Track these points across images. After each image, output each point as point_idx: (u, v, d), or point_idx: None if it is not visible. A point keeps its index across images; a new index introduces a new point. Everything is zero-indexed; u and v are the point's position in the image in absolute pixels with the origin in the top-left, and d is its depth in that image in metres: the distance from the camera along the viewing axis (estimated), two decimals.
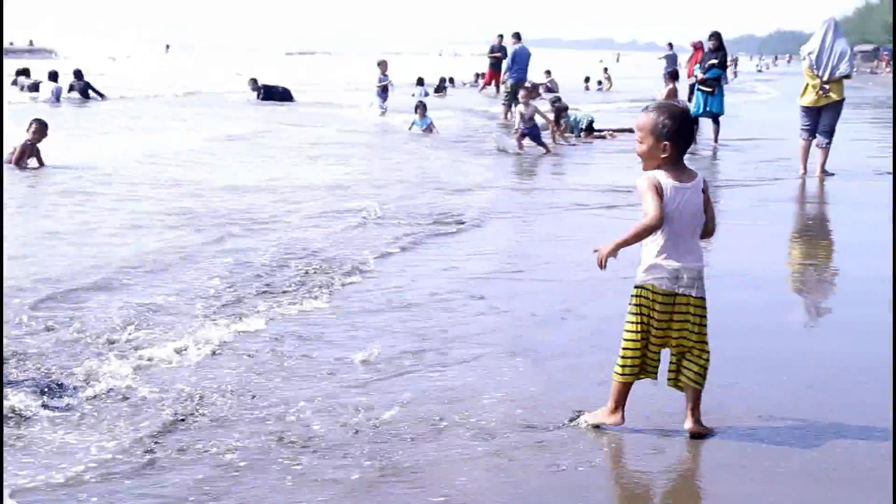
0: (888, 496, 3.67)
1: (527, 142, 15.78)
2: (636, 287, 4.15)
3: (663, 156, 4.06)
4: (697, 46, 19.63)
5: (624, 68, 68.12)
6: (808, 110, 12.52)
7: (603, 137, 17.73)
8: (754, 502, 3.66)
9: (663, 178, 4.06)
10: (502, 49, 33.74)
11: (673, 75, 17.38)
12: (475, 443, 4.10)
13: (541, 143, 15.78)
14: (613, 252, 4.00)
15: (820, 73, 12.26)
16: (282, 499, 3.60)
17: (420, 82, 32.22)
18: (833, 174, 12.47)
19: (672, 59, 37.65)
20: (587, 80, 41.91)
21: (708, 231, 4.16)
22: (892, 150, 13.40)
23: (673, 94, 16.67)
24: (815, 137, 12.56)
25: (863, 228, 9.46)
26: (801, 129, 12.70)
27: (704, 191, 4.12)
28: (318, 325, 5.77)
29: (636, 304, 4.13)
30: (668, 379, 4.27)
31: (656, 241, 4.05)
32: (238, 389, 4.66)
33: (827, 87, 12.26)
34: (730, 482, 3.82)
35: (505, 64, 23.12)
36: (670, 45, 40.46)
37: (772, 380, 4.92)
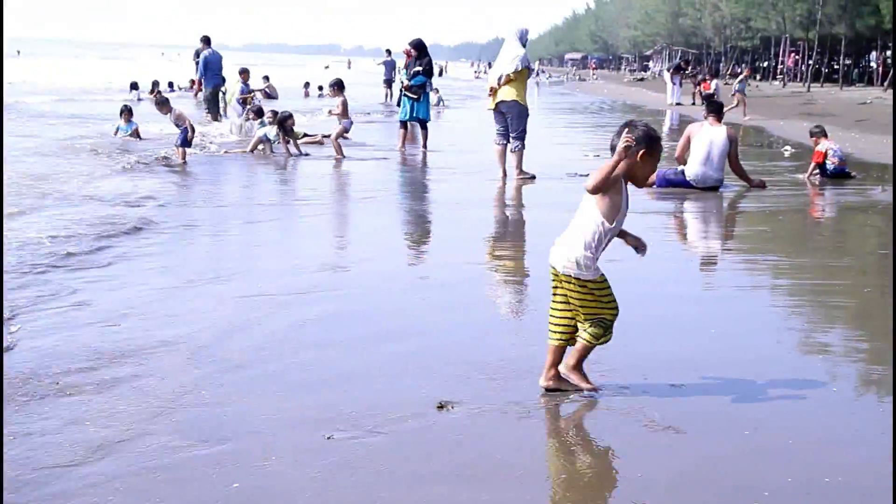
0: None
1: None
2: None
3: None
4: (410, 53, 19.57)
5: (353, 74, 68.46)
6: (495, 114, 12.84)
7: (319, 143, 17.28)
8: None
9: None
10: None
11: (339, 85, 16.52)
12: None
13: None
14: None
15: (491, 79, 12.78)
16: None
17: (133, 86, 31.15)
18: (533, 176, 12.74)
19: (390, 66, 38.14)
20: (307, 85, 41.56)
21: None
22: (892, 152, 13.66)
23: (344, 105, 16.03)
24: (509, 141, 12.84)
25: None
26: (496, 135, 12.95)
27: None
28: None
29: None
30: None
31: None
32: None
33: (495, 86, 12.65)
34: None
35: (198, 71, 22.58)
36: (388, 51, 41.00)
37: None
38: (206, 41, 22.23)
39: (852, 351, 5.33)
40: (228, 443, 3.95)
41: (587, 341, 4.49)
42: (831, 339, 5.59)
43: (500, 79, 12.60)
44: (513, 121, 12.73)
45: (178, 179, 12.57)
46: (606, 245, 4.45)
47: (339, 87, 15.99)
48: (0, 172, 8.92)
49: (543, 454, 4.03)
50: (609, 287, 4.47)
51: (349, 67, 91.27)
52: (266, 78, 35.03)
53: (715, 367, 4.92)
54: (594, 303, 4.45)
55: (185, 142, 14.37)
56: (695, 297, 6.68)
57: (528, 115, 12.93)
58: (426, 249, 8.68)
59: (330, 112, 15.97)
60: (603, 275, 4.45)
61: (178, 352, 5.09)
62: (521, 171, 12.80)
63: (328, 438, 3.99)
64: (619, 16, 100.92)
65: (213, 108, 21.93)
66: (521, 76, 12.62)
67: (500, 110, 12.76)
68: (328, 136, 16.53)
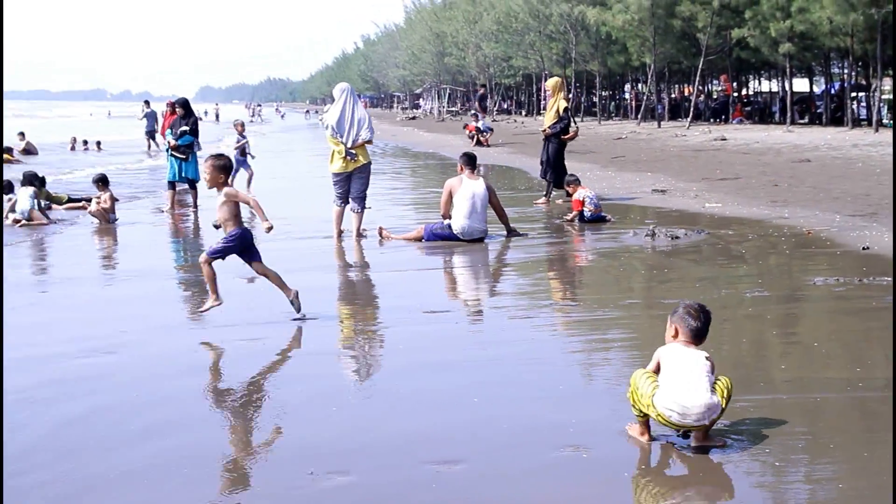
0: None
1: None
2: None
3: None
4: (172, 107, 19.09)
5: (117, 123, 66.46)
6: (338, 177, 12.72)
7: (83, 208, 16.58)
8: None
9: None
10: None
11: (104, 180, 15.83)
12: None
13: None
14: None
15: (344, 141, 12.50)
16: None
17: None
18: (366, 234, 12.79)
19: (152, 117, 37.58)
20: (74, 140, 40.02)
21: None
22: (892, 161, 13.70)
23: (112, 199, 15.47)
24: (348, 203, 12.79)
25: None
26: (336, 197, 12.79)
27: None
28: None
29: None
30: None
31: None
32: None
33: (354, 152, 12.56)
34: None
35: None
36: (147, 102, 40.35)
37: None
38: None
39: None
40: None
41: None
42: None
43: (354, 142, 12.50)
44: (363, 183, 12.74)
45: None
46: None
47: (104, 182, 15.46)
48: (0, 171, 8.09)
49: None
50: None
51: (109, 116, 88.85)
52: (21, 135, 33.62)
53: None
54: None
55: None
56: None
57: None
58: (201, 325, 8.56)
59: (97, 206, 15.18)
60: None
61: None
62: (359, 233, 12.75)
63: None
64: (387, 56, 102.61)
65: None
66: None
67: (352, 173, 12.66)
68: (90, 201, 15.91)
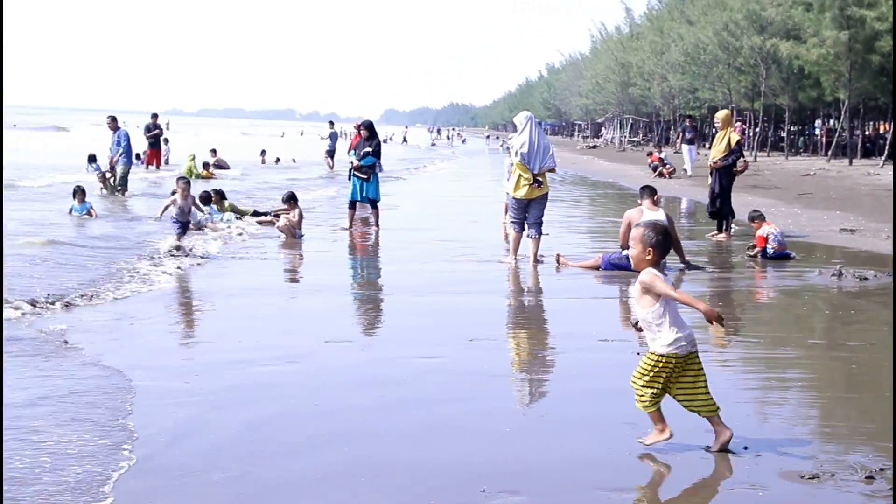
0: None
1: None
2: (659, 356, 5.39)
3: (648, 258, 5.50)
4: (358, 129, 19.66)
5: (306, 142, 68.88)
6: (520, 203, 12.81)
7: (271, 223, 17.22)
8: None
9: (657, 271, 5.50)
10: (157, 126, 33.37)
11: (293, 198, 16.47)
12: None
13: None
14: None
15: (531, 167, 12.69)
16: None
17: (92, 159, 27.22)
18: (542, 260, 12.86)
19: (334, 137, 39.37)
20: (263, 153, 42.05)
21: None
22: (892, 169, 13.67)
23: (300, 216, 16.11)
24: (525, 229, 12.93)
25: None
26: (512, 222, 12.99)
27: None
28: None
29: (656, 368, 5.40)
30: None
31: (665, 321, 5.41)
32: None
33: (540, 180, 12.74)
34: None
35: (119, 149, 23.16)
36: (331, 122, 42.17)
37: None
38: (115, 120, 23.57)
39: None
40: None
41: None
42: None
43: (540, 169, 12.68)
44: (541, 209, 12.92)
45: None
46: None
47: (293, 199, 16.13)
48: (0, 176, 8.86)
49: None
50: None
51: (301, 135, 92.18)
52: (213, 151, 35.25)
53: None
54: None
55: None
56: None
57: None
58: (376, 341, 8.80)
59: (286, 222, 15.79)
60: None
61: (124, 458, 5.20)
62: (536, 259, 12.84)
63: None
64: (570, 84, 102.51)
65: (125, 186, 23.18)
66: None
67: (533, 199, 12.84)
68: (278, 216, 16.55)
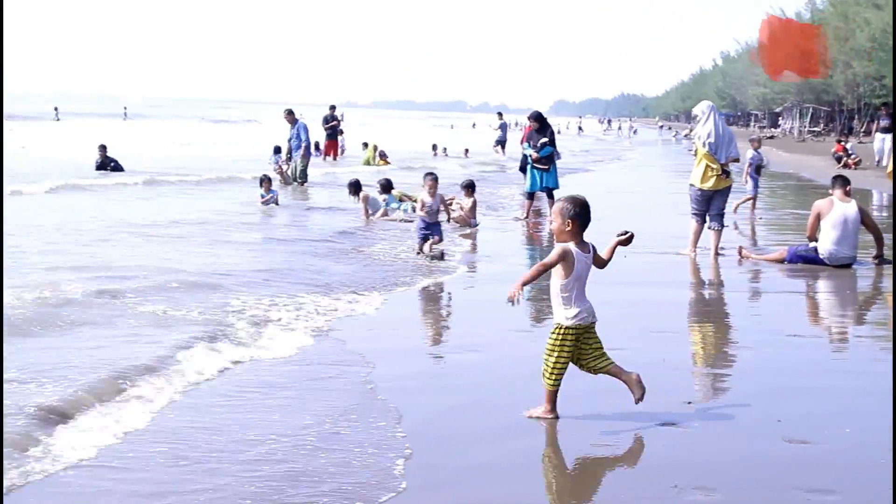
0: None
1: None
2: (565, 328, 5.66)
3: (568, 230, 5.67)
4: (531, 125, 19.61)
5: (477, 133, 69.36)
6: (703, 194, 12.60)
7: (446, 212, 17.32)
8: None
9: (573, 247, 5.67)
10: (335, 118, 34.17)
11: (471, 186, 16.65)
12: None
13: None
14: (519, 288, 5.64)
15: (718, 157, 12.43)
16: None
17: (277, 150, 28.11)
18: (723, 253, 12.62)
19: (504, 128, 40.16)
20: (434, 147, 42.52)
21: None
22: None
23: (474, 205, 16.23)
24: (706, 221, 12.71)
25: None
26: (693, 214, 12.74)
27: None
28: None
29: (563, 340, 5.68)
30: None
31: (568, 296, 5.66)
32: None
33: (728, 170, 12.53)
34: None
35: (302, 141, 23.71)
36: (500, 114, 42.88)
37: None
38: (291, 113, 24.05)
39: None
40: None
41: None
42: None
43: (726, 159, 12.51)
44: (724, 201, 12.76)
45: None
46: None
47: (471, 188, 16.29)
48: (1, 174, 9.32)
49: None
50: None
51: (474, 127, 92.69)
52: (375, 148, 35.76)
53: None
54: None
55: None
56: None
57: None
58: None
59: (461, 211, 16.02)
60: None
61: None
62: (717, 252, 12.60)
63: None
64: (746, 72, 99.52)
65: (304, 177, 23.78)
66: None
67: (717, 191, 12.67)
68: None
